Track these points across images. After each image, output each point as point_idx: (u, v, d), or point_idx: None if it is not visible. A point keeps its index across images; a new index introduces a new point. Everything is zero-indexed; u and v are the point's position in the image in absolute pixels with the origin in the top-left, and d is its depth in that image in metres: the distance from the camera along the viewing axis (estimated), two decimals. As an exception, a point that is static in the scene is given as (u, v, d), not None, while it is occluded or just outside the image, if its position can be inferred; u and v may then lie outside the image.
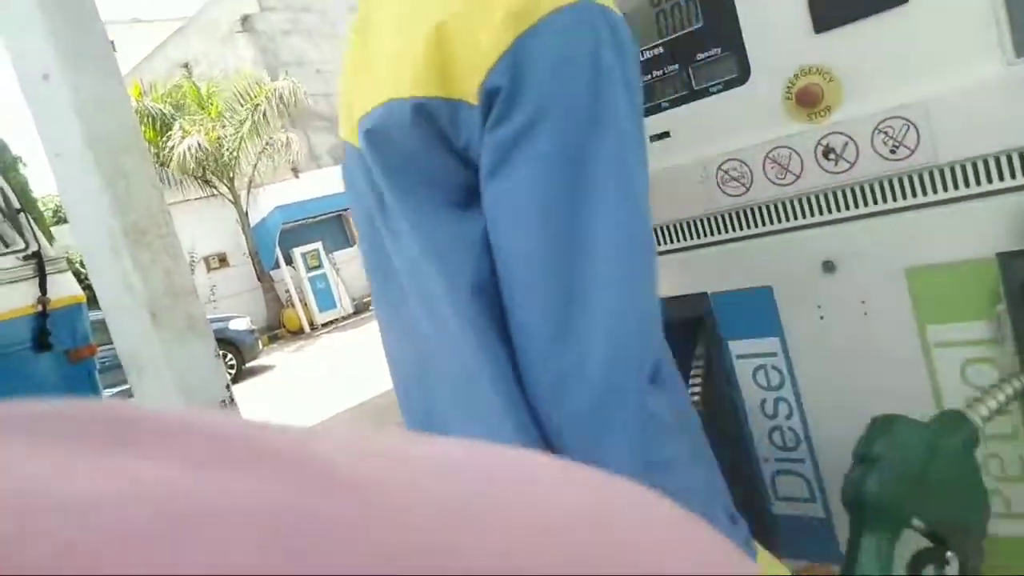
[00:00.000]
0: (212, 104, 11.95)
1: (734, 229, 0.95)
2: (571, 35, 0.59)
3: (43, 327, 4.07)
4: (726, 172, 0.92)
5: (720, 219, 0.96)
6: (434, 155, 0.66)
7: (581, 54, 0.59)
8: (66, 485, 0.11)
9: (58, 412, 0.13)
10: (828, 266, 0.88)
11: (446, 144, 0.65)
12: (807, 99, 0.85)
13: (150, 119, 11.60)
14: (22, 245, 4.18)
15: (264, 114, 11.50)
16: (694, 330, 1.00)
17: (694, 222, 0.98)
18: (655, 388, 0.61)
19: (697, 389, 0.96)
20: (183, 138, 11.37)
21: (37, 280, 4.13)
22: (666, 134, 0.97)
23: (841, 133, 0.84)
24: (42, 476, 0.11)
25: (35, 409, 0.13)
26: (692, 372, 0.96)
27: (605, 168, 0.60)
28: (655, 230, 1.02)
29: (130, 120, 2.22)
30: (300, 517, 0.11)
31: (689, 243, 0.99)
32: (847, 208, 0.87)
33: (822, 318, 0.91)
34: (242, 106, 11.63)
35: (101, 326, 3.96)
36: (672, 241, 1.01)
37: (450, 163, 0.65)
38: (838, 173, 0.85)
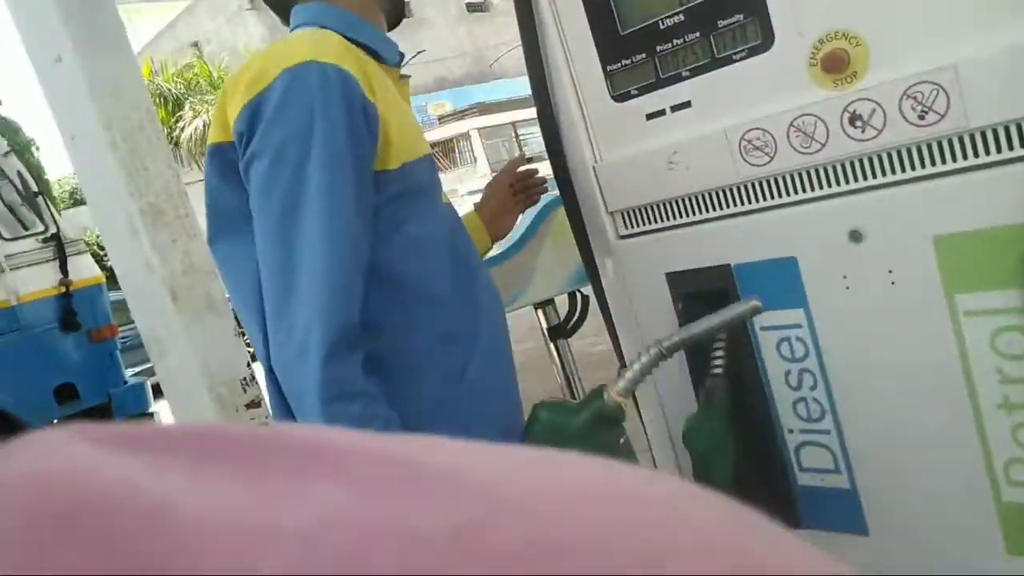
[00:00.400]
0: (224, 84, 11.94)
1: (757, 200, 0.94)
2: (286, 92, 0.80)
3: (69, 307, 4.12)
4: (749, 141, 0.91)
5: (743, 189, 0.95)
6: (227, 186, 0.88)
7: (291, 106, 0.79)
8: (280, 514, 0.11)
9: (210, 435, 0.14)
10: (855, 235, 0.87)
11: (236, 175, 0.86)
12: (833, 65, 0.83)
13: (161, 99, 11.62)
14: (41, 228, 4.22)
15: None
16: (717, 302, 0.99)
17: (716, 193, 0.97)
18: (340, 359, 0.79)
19: (720, 362, 0.95)
20: (193, 118, 11.39)
21: (57, 262, 4.17)
22: (687, 104, 0.95)
23: (868, 99, 0.82)
24: (254, 505, 0.11)
25: (189, 432, 0.14)
26: (715, 345, 0.96)
27: (312, 190, 0.79)
28: (678, 202, 1.01)
29: (144, 101, 2.22)
30: (482, 546, 0.11)
31: (711, 215, 0.98)
32: (874, 176, 0.85)
33: (848, 288, 0.89)
34: (253, 84, 11.59)
35: (121, 306, 4.01)
36: (694, 213, 1.00)
37: (240, 191, 0.86)
38: (865, 140, 0.83)
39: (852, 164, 0.86)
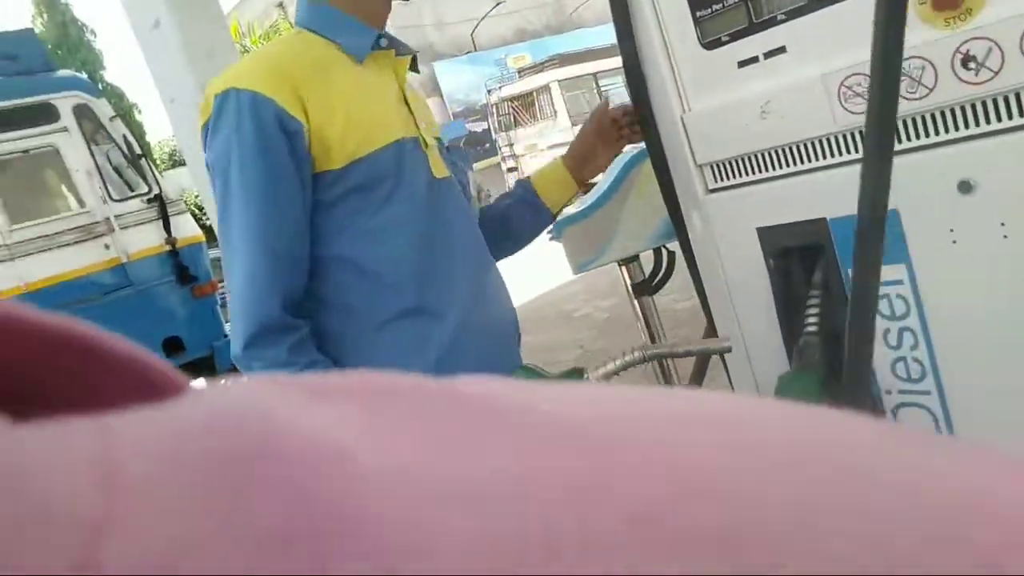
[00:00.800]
0: (307, 42, 12.15)
1: (856, 150, 0.89)
2: (215, 119, 0.93)
3: (181, 263, 4.38)
4: (849, 88, 0.86)
5: (841, 139, 0.90)
6: None
7: (218, 130, 0.93)
8: (453, 474, 0.11)
9: (383, 385, 0.13)
10: (964, 186, 0.82)
11: None
12: (945, 1, 0.77)
13: (250, 60, 11.93)
14: (145, 189, 4.45)
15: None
16: (812, 258, 0.95)
17: (812, 143, 0.93)
18: (262, 345, 0.93)
19: (814, 319, 0.92)
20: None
21: (161, 221, 4.41)
22: (782, 49, 0.90)
23: (984, 38, 0.76)
24: (428, 461, 0.11)
25: (363, 381, 0.13)
26: (809, 303, 0.93)
27: (233, 202, 0.93)
28: (771, 153, 0.97)
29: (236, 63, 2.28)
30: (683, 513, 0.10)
31: (806, 166, 0.94)
32: (988, 123, 0.79)
33: (955, 242, 0.84)
34: (336, 42, 11.75)
35: (219, 264, 4.21)
36: (788, 164, 0.96)
37: None
38: (979, 84, 0.77)
39: (963, 110, 0.80)
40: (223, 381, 0.13)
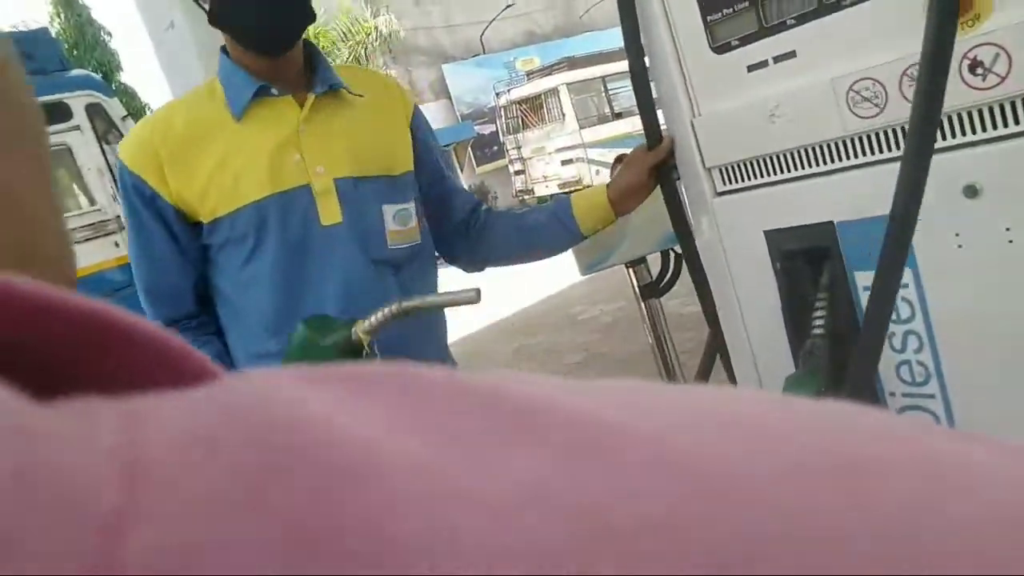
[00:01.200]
0: (317, 43, 12.22)
1: (865, 154, 0.90)
2: None
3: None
4: (857, 92, 0.87)
5: (850, 143, 0.91)
6: None
7: None
8: (478, 479, 0.10)
9: (410, 379, 0.13)
10: (970, 191, 0.82)
11: None
12: (953, 8, 0.78)
13: (260, 61, 12.01)
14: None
15: (365, 51, 11.64)
16: (819, 261, 0.96)
17: (820, 147, 0.94)
18: None
19: (821, 322, 0.93)
20: (292, 79, 11.74)
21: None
22: (792, 54, 0.91)
23: (992, 44, 0.76)
24: (454, 463, 0.11)
25: (389, 373, 0.13)
26: (816, 305, 0.93)
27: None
28: (779, 157, 0.98)
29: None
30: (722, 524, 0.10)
31: (815, 170, 0.95)
32: (995, 128, 0.80)
33: (960, 247, 0.85)
34: (344, 43, 11.81)
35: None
36: (796, 168, 0.97)
37: None
38: (986, 89, 0.78)
39: (970, 115, 0.81)
40: (249, 371, 0.13)
